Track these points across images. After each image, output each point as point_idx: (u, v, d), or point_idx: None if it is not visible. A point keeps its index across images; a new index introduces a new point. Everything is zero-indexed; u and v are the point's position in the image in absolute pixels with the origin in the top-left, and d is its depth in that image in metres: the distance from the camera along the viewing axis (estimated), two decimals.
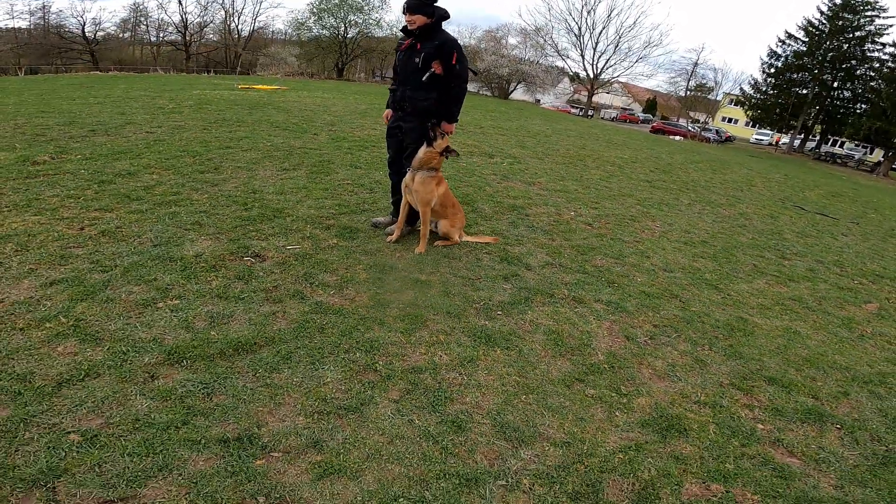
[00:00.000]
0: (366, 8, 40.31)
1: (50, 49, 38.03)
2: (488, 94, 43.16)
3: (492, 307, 2.97)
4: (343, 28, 40.50)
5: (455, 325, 2.72)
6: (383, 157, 6.41)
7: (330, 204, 4.35)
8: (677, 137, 31.03)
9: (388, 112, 3.72)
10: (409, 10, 3.26)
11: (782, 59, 35.08)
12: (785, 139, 38.71)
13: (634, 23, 61.03)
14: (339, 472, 1.72)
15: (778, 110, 35.33)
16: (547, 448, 1.97)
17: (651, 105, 58.72)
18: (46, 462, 1.64)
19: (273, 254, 3.26)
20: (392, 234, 3.71)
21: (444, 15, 3.34)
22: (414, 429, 1.96)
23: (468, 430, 1.99)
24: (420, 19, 3.26)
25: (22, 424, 1.76)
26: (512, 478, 1.81)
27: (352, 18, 40.39)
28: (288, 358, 2.27)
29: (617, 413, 2.24)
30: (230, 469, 1.68)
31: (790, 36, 34.74)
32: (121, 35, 44.65)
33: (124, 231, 3.32)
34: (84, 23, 39.86)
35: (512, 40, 44.50)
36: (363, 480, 1.71)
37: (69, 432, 1.76)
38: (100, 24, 42.63)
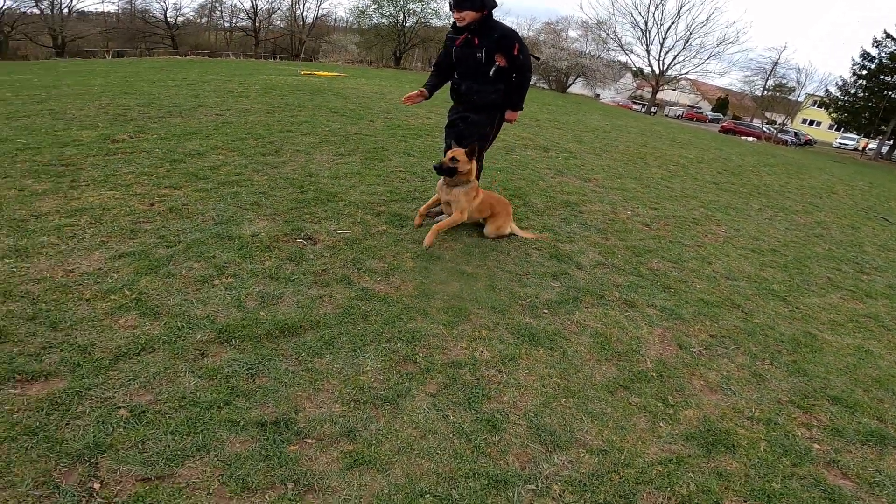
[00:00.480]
0: None
1: (135, 33, 40.83)
2: (545, 86, 42.21)
3: (538, 305, 2.90)
4: (402, 17, 40.82)
5: (499, 321, 2.67)
6: (436, 145, 6.43)
7: (382, 190, 4.39)
8: (750, 138, 29.12)
9: (415, 93, 3.55)
10: (456, 6, 3.23)
11: (876, 60, 32.11)
12: (872, 144, 35.50)
13: (707, 19, 58.00)
14: (369, 463, 1.72)
15: (867, 114, 32.46)
16: (582, 455, 1.90)
17: (722, 104, 55.39)
18: (94, 437, 1.69)
19: (324, 237, 3.33)
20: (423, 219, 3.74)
21: (493, 4, 3.28)
22: (448, 425, 1.93)
23: (503, 431, 1.95)
24: (470, 15, 3.22)
25: (76, 397, 1.83)
26: (542, 483, 1.75)
27: (410, 7, 40.61)
28: (331, 343, 2.29)
29: (661, 424, 2.14)
30: (264, 453, 1.70)
31: (888, 36, 31.66)
32: (198, 20, 47.23)
33: (190, 208, 3.49)
34: (166, 8, 42.50)
35: (572, 33, 43.24)
36: (392, 473, 1.70)
37: (119, 407, 1.82)
38: (180, 9, 45.25)
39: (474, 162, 3.38)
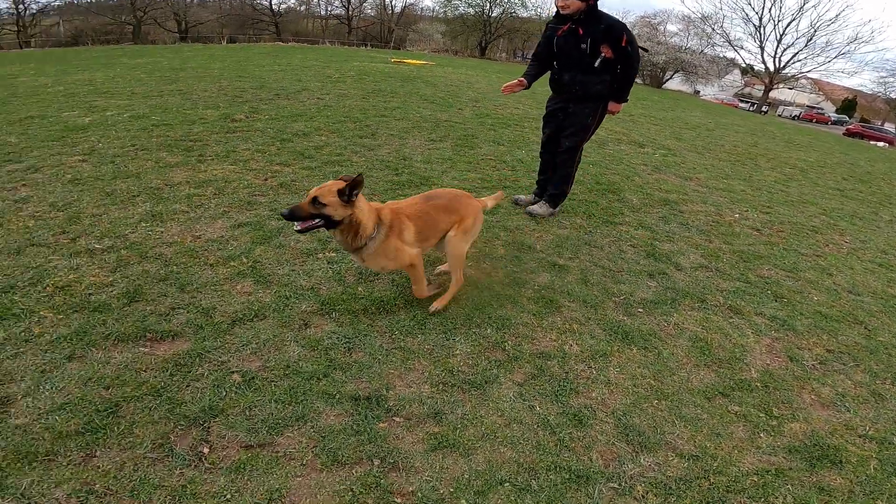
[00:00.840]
0: None
1: (245, 20, 44.24)
2: (639, 81, 40.24)
3: (632, 303, 2.83)
4: (488, 6, 40.88)
5: (590, 316, 2.65)
6: (525, 136, 6.41)
7: (473, 177, 4.47)
8: (881, 143, 25.90)
9: (514, 82, 3.51)
10: None
11: None
12: None
13: (836, 16, 52.38)
14: (453, 446, 1.75)
15: None
16: (671, 458, 1.85)
17: (849, 105, 49.60)
18: (209, 401, 1.79)
19: None
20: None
21: None
22: (533, 415, 1.93)
23: (588, 427, 1.93)
24: (574, 4, 3.18)
25: (197, 359, 1.97)
26: (626, 482, 1.73)
27: None
28: (423, 324, 2.36)
29: (762, 434, 2.04)
30: (356, 427, 1.77)
31: None
32: (298, 8, 50.09)
33: (297, 185, 3.78)
34: None
35: (671, 27, 41.28)
36: (473, 459, 1.72)
37: (233, 372, 1.93)
38: None
39: (363, 201, 2.15)
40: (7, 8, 34.63)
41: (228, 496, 1.50)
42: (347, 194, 2.04)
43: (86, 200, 3.23)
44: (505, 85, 3.52)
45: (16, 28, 34.40)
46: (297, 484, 1.56)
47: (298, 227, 2.05)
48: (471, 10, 41.67)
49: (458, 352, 2.22)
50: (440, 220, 2.41)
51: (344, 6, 46.74)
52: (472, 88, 10.70)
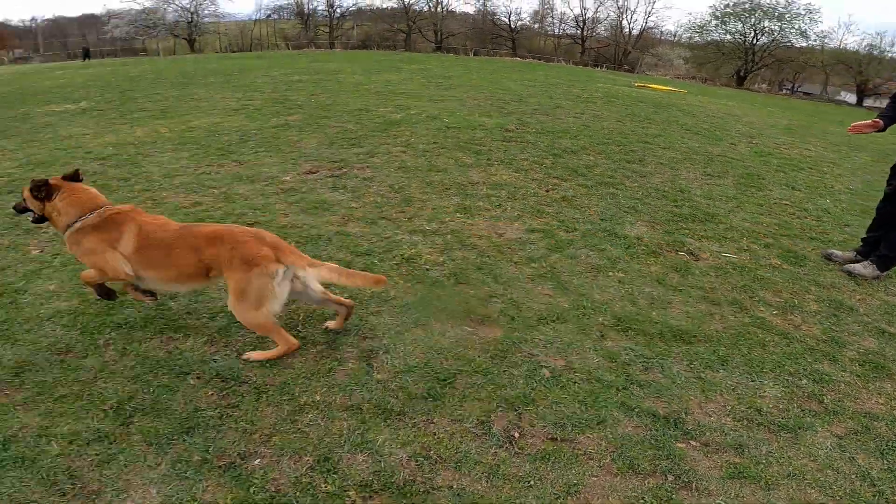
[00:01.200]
0: (787, 16, 36.19)
1: (486, 34, 48.87)
2: None
3: None
4: (752, 34, 37.40)
5: None
6: (826, 182, 5.83)
7: (767, 221, 4.23)
8: None
9: (866, 123, 3.23)
10: None
11: None
12: None
13: None
14: (753, 479, 1.78)
15: None
16: None
17: None
18: (522, 389, 2.01)
19: (708, 256, 3.45)
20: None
21: None
22: (853, 466, 1.89)
23: None
24: None
25: (511, 347, 2.27)
26: None
27: (766, 25, 37.07)
28: (724, 360, 2.41)
29: None
30: (653, 442, 1.88)
31: None
32: (532, 25, 53.04)
33: (577, 201, 4.11)
34: (510, 12, 49.38)
35: None
36: (774, 493, 1.74)
37: (542, 366, 2.16)
38: (519, 13, 52.16)
39: (71, 198, 2.26)
40: (323, 10, 45.19)
41: (531, 483, 1.68)
42: (35, 192, 2.26)
43: (413, 186, 4.05)
44: (854, 124, 3.29)
45: (328, 29, 44.40)
46: (593, 483, 1.71)
47: (31, 218, 2.37)
48: (728, 37, 38.92)
49: (766, 394, 2.23)
50: (182, 257, 2.12)
51: (578, 26, 47.95)
52: (741, 122, 10.02)
